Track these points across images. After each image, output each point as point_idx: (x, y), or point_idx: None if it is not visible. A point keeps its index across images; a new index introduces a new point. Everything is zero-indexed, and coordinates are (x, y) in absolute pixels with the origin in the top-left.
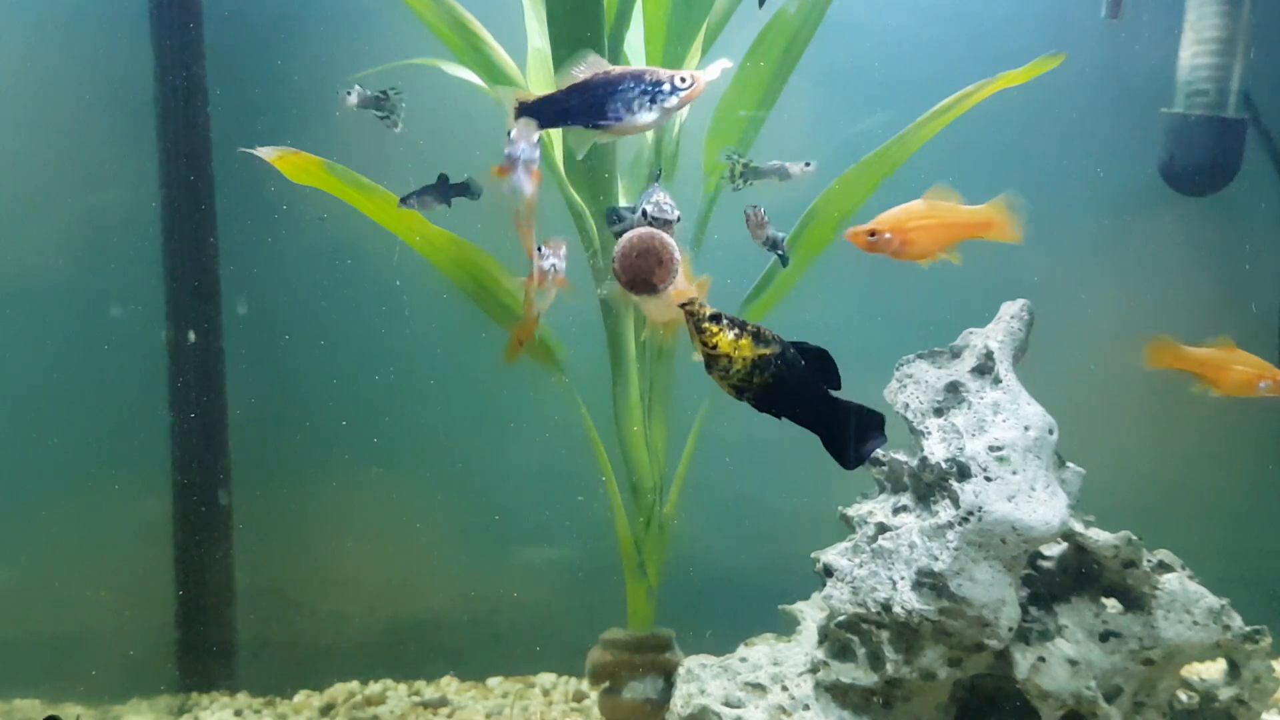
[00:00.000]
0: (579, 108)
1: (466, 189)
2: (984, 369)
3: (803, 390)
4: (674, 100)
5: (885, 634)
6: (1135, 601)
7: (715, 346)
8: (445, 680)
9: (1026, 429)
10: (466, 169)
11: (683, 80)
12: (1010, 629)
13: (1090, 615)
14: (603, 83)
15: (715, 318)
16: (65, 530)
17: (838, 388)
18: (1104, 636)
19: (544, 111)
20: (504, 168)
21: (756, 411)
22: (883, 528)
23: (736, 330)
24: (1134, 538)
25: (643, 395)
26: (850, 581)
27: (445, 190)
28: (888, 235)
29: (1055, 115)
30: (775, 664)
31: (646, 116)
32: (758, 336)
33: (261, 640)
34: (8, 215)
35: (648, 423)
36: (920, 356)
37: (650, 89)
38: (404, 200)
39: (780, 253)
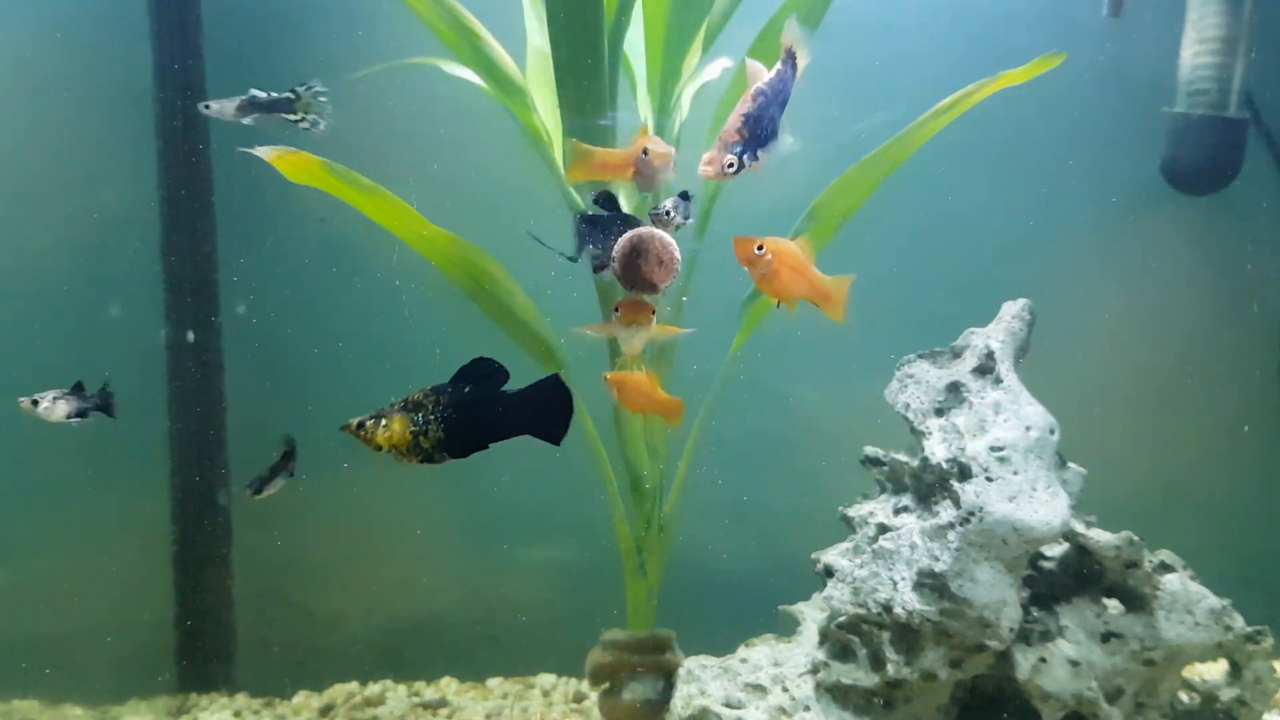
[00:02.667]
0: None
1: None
2: (985, 369)
3: (480, 415)
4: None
5: (886, 635)
6: (1137, 602)
7: (380, 448)
8: (445, 681)
9: (1028, 429)
10: (466, 169)
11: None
12: (1011, 630)
13: (1092, 616)
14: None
15: (361, 425)
16: (65, 531)
17: (504, 380)
18: (1105, 637)
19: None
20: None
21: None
22: (883, 528)
23: (384, 420)
24: (1135, 538)
25: None
26: (851, 582)
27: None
28: (768, 257)
29: (1056, 115)
30: (776, 665)
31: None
32: (406, 408)
33: (260, 641)
34: (8, 215)
35: (648, 423)
36: (921, 356)
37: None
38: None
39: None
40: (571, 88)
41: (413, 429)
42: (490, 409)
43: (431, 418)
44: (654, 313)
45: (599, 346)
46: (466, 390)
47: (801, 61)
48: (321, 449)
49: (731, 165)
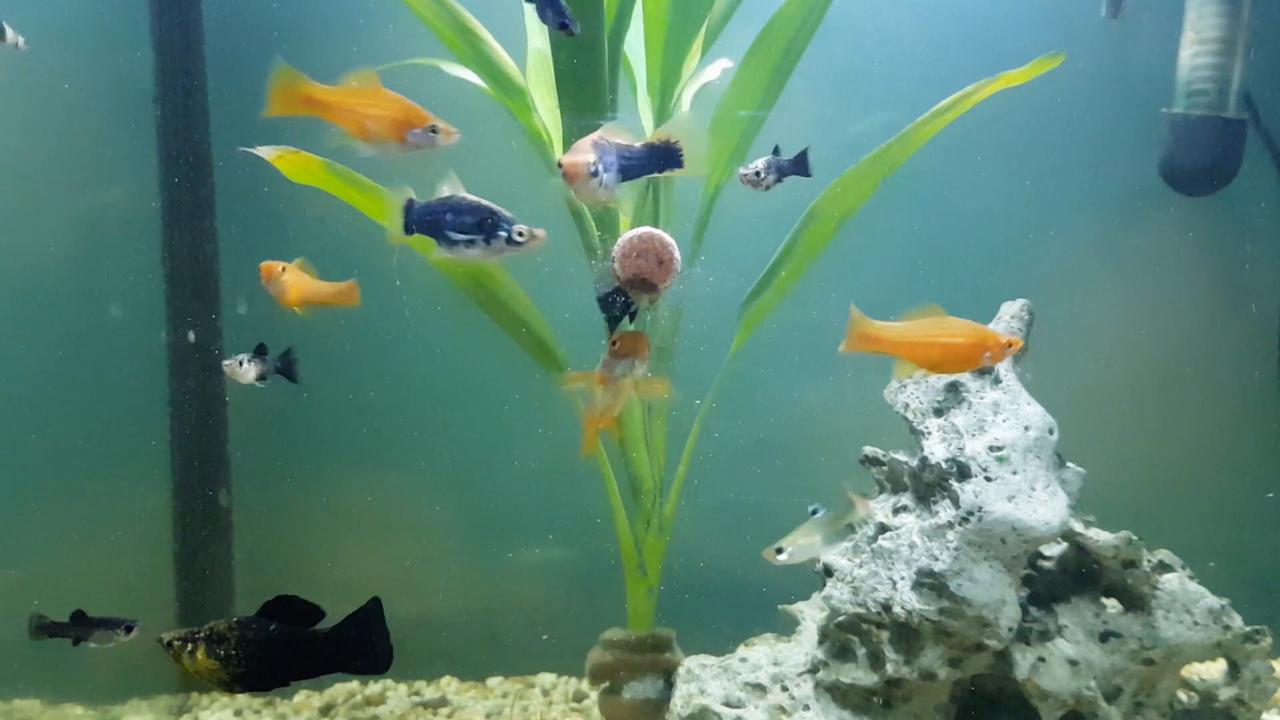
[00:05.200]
0: (427, 222)
1: None
2: (984, 369)
3: (283, 653)
4: (503, 244)
5: (885, 634)
6: (1135, 602)
7: (190, 672)
8: (445, 680)
9: (1026, 429)
10: (466, 169)
11: (520, 234)
12: (1010, 629)
13: (1090, 615)
14: (452, 205)
15: (170, 644)
16: (65, 530)
17: (316, 619)
18: (1104, 637)
19: (409, 216)
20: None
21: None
22: (883, 528)
23: (189, 646)
24: (1134, 538)
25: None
26: (850, 581)
27: None
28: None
29: (1056, 115)
30: (775, 664)
31: (471, 252)
32: (210, 638)
33: None
34: (8, 215)
35: (648, 423)
36: None
37: (490, 226)
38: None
39: None
40: (571, 89)
41: (215, 660)
42: (295, 647)
43: (233, 652)
44: (649, 349)
45: (599, 346)
46: (272, 628)
47: (689, 153)
48: (321, 448)
49: (593, 169)
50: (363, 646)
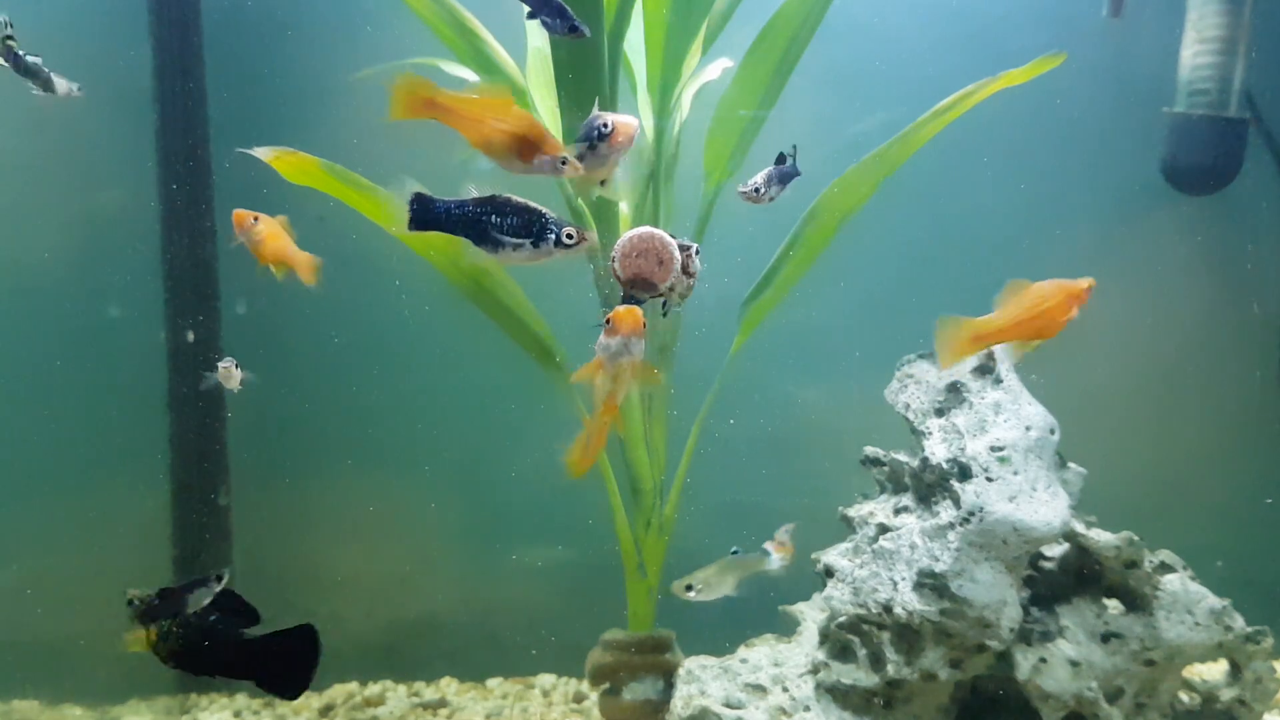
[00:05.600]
0: (462, 221)
1: None
2: (985, 369)
3: (213, 649)
4: (552, 248)
5: (886, 635)
6: (1137, 602)
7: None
8: (445, 681)
9: (1028, 429)
10: (465, 168)
11: (569, 236)
12: (1011, 630)
13: (1092, 616)
14: (496, 206)
15: (130, 601)
16: (65, 531)
17: (252, 622)
18: (1105, 637)
19: (428, 213)
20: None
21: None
22: (884, 528)
23: (144, 612)
24: (1135, 538)
25: (643, 396)
26: (851, 582)
27: None
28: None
29: (1056, 115)
30: (776, 665)
31: (519, 254)
32: (148, 611)
33: None
34: (8, 215)
35: (648, 423)
36: (921, 356)
37: (538, 228)
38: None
39: None
40: (571, 88)
41: (159, 633)
42: (225, 645)
43: (174, 630)
44: (645, 325)
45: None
46: (213, 618)
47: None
48: (321, 449)
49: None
50: (281, 666)
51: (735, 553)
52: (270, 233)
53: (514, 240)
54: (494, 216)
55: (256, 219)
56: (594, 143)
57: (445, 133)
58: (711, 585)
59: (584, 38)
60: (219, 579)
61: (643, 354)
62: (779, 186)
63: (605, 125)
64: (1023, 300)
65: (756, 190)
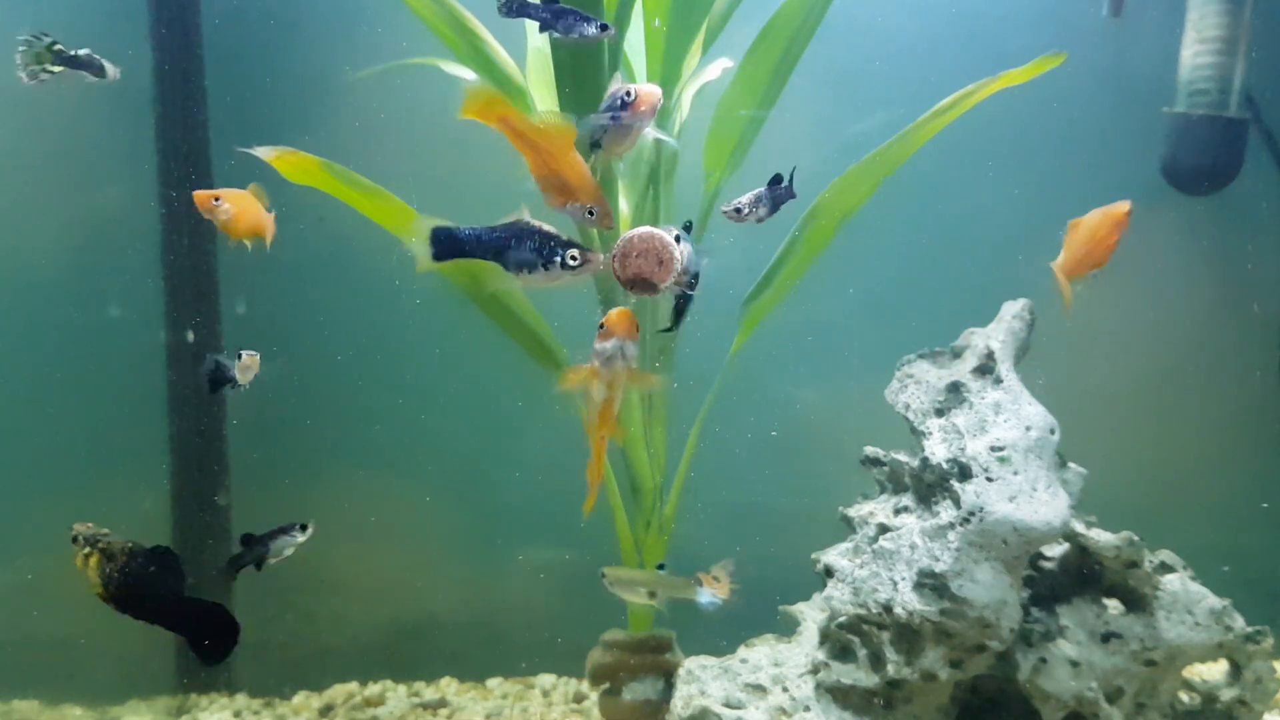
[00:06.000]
0: (485, 246)
1: None
2: (985, 369)
3: (147, 599)
4: (559, 270)
5: (886, 635)
6: (1137, 602)
7: (77, 566)
8: (445, 681)
9: (1028, 429)
10: (466, 169)
11: (574, 257)
12: (1012, 630)
13: (1092, 616)
14: (513, 232)
15: (76, 539)
16: (65, 531)
17: (180, 588)
18: (1106, 637)
19: (450, 241)
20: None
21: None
22: (884, 528)
23: (88, 549)
24: (1135, 538)
25: (643, 396)
26: (851, 582)
27: None
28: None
29: (1056, 115)
30: (776, 665)
31: (535, 277)
32: (106, 552)
33: (260, 641)
34: (7, 215)
35: (648, 423)
36: (921, 356)
37: (548, 252)
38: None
39: None
40: (571, 88)
41: (98, 572)
42: (159, 599)
43: (115, 575)
44: (638, 327)
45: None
46: (151, 569)
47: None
48: (320, 449)
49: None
50: (206, 632)
51: (662, 567)
52: (240, 208)
53: (529, 264)
54: (512, 241)
55: (218, 198)
56: (617, 113)
57: (445, 134)
58: (625, 584)
59: (614, 38)
60: (303, 528)
61: (637, 358)
62: (767, 209)
63: (629, 94)
64: (1077, 235)
65: (738, 210)
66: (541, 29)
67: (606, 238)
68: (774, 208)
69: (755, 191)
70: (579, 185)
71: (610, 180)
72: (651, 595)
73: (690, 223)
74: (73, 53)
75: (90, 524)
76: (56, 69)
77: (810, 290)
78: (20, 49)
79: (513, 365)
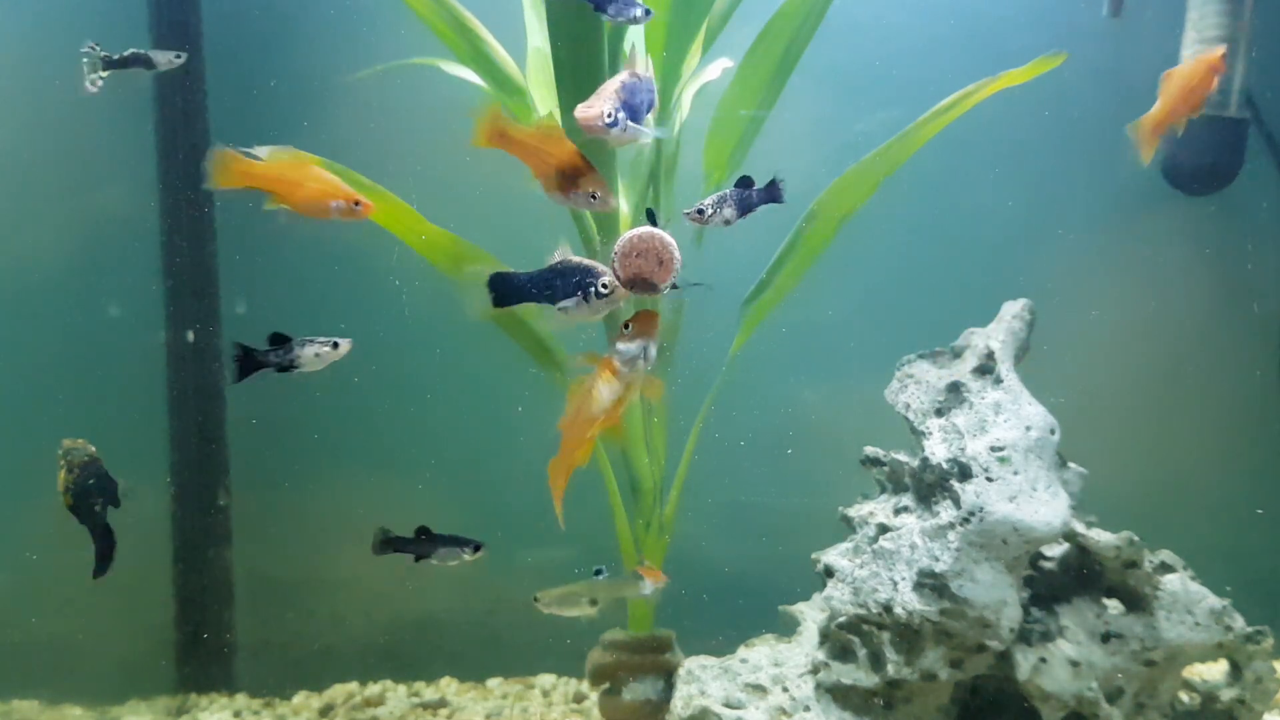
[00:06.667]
0: (539, 287)
1: None
2: (985, 369)
3: (95, 505)
4: (595, 300)
5: (886, 635)
6: (1137, 602)
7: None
8: (444, 681)
9: (1028, 429)
10: (466, 169)
11: (605, 285)
12: (1012, 630)
13: (1092, 616)
14: (559, 271)
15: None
16: (65, 531)
17: (115, 503)
18: (1105, 637)
19: (507, 287)
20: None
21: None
22: (884, 528)
23: (67, 459)
24: (1135, 538)
25: (643, 396)
26: (851, 582)
27: None
28: None
29: (1056, 115)
30: (776, 665)
31: (580, 311)
32: (72, 467)
33: (260, 641)
34: (8, 215)
35: (648, 423)
36: (921, 356)
37: (585, 285)
38: None
39: None
40: (571, 88)
41: (65, 479)
42: (89, 513)
43: (71, 485)
44: (659, 329)
45: (599, 347)
46: (91, 482)
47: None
48: (320, 449)
49: (610, 117)
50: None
51: (599, 573)
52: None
53: (573, 299)
54: (558, 281)
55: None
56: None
57: (445, 134)
58: (560, 601)
59: (650, 16)
60: (476, 548)
61: (655, 360)
62: (734, 210)
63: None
64: (1173, 83)
65: (700, 213)
66: (595, 9)
67: (606, 239)
68: (743, 210)
69: (720, 193)
70: (578, 168)
71: (611, 181)
72: (593, 603)
73: (651, 210)
74: (117, 56)
75: (82, 440)
76: (106, 74)
77: (810, 290)
78: (84, 60)
79: (512, 365)
